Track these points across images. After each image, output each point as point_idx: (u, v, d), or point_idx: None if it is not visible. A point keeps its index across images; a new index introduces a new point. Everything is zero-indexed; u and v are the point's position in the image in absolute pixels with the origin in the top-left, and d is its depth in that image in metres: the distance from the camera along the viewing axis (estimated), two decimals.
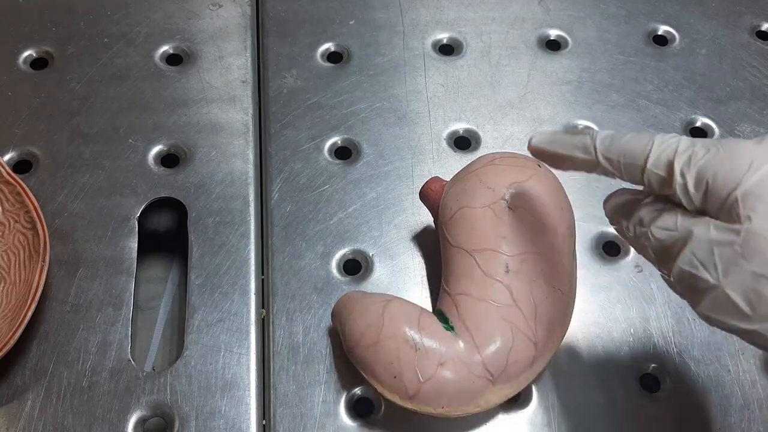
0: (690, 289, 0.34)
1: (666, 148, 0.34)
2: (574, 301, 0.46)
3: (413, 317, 0.44)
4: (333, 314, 0.47)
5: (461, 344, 0.43)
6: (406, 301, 0.45)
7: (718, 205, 0.33)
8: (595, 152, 0.36)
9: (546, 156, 0.39)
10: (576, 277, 0.47)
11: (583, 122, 0.60)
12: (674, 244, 0.34)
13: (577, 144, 0.37)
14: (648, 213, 0.36)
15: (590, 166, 0.37)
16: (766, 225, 0.31)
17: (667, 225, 0.34)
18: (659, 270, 0.36)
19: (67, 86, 0.60)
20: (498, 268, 0.44)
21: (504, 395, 0.44)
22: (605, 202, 0.39)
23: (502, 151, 0.53)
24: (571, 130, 0.39)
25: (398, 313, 0.44)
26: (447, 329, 0.43)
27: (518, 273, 0.44)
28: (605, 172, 0.37)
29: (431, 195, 0.49)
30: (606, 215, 0.39)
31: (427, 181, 0.50)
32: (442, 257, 0.47)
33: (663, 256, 0.35)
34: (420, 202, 0.51)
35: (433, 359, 0.42)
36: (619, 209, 0.38)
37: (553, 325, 0.45)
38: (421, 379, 0.42)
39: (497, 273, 0.44)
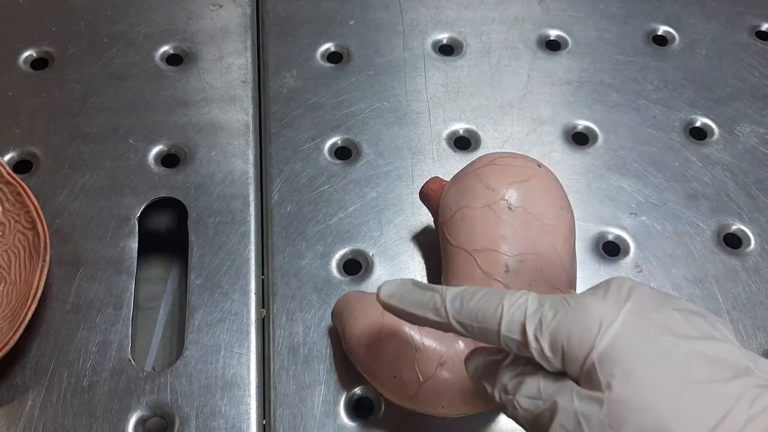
0: None
1: (516, 311, 0.33)
2: None
3: None
4: (333, 314, 0.47)
5: (461, 344, 0.43)
6: None
7: (577, 369, 0.31)
8: (447, 315, 0.35)
9: (397, 312, 0.37)
10: (576, 277, 0.47)
11: (583, 122, 0.60)
12: (542, 414, 0.32)
13: (428, 304, 0.35)
14: (510, 379, 0.34)
15: (444, 327, 0.35)
16: (627, 391, 0.30)
17: (530, 393, 0.33)
18: None
19: (67, 86, 0.60)
20: (498, 268, 0.44)
21: None
22: (466, 361, 0.37)
23: (502, 151, 0.53)
24: (420, 284, 0.36)
25: None
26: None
27: (518, 273, 0.44)
28: (460, 335, 0.35)
29: (431, 195, 0.49)
30: (470, 379, 0.37)
31: (427, 181, 0.50)
32: (442, 257, 0.47)
33: (534, 427, 0.33)
34: (420, 202, 0.51)
35: (433, 359, 0.42)
36: (480, 372, 0.36)
37: None
38: (421, 379, 0.42)
39: (497, 273, 0.44)
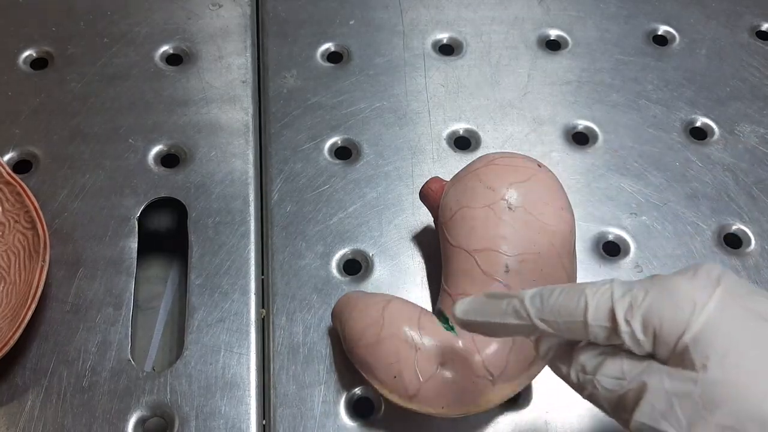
0: None
1: (602, 298, 0.33)
2: None
3: (413, 317, 0.44)
4: (333, 314, 0.47)
5: (461, 344, 0.43)
6: (406, 301, 0.45)
7: (668, 351, 0.31)
8: (529, 316, 0.34)
9: (476, 327, 0.37)
10: (576, 277, 0.47)
11: (583, 122, 0.60)
12: (627, 394, 0.32)
13: (507, 310, 0.35)
14: (589, 358, 0.34)
15: (528, 330, 0.35)
16: (723, 374, 0.30)
17: (614, 373, 0.33)
18: (614, 418, 0.34)
19: (67, 86, 0.60)
20: (498, 268, 0.44)
21: (504, 395, 0.44)
22: (536, 343, 0.36)
23: (502, 151, 0.53)
24: (494, 294, 0.36)
25: (398, 313, 0.44)
26: (447, 329, 0.43)
27: (518, 273, 0.44)
28: (545, 334, 0.35)
29: (431, 195, 0.49)
30: (540, 359, 0.37)
31: (427, 181, 0.50)
32: (442, 257, 0.47)
33: (617, 406, 0.33)
34: (420, 202, 0.51)
35: (433, 359, 0.42)
36: (555, 353, 0.35)
37: None
38: (421, 379, 0.42)
39: (497, 273, 0.44)
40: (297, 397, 0.47)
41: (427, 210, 0.51)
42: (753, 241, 0.55)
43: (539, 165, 0.47)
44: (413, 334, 0.43)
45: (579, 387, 0.34)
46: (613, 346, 0.33)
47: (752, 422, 0.29)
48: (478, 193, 0.46)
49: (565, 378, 0.35)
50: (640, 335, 0.32)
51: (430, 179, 0.50)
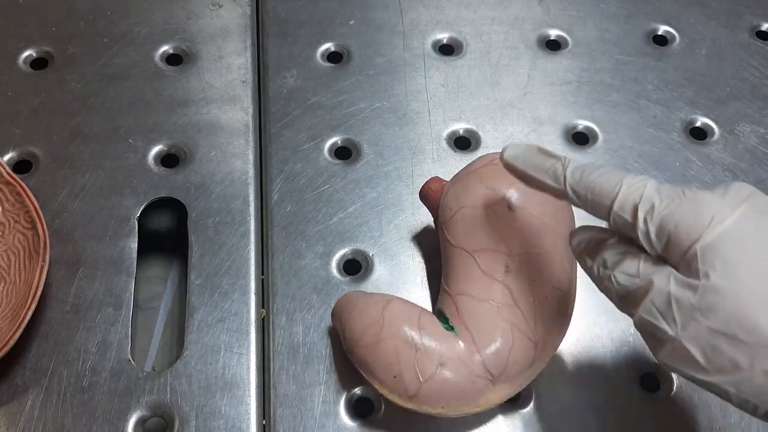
0: (651, 336, 0.35)
1: (633, 192, 0.35)
2: (574, 301, 0.46)
3: (413, 317, 0.44)
4: (333, 314, 0.47)
5: (461, 344, 0.43)
6: (406, 301, 0.45)
7: (678, 256, 0.33)
8: (564, 183, 0.37)
9: (516, 173, 0.40)
10: (576, 277, 0.47)
11: (583, 122, 0.60)
12: (636, 291, 0.35)
13: (548, 170, 0.38)
14: (612, 255, 0.36)
15: (558, 194, 0.38)
16: (723, 283, 0.32)
17: (629, 270, 0.35)
18: (622, 311, 0.37)
19: (67, 86, 0.60)
20: (498, 268, 0.44)
21: (504, 395, 0.44)
22: (571, 235, 0.39)
23: None
24: (545, 151, 0.38)
25: (398, 313, 0.44)
26: (447, 329, 0.43)
27: (518, 273, 0.44)
28: (573, 203, 0.37)
29: (431, 195, 0.49)
30: (572, 250, 0.39)
31: (427, 181, 0.50)
32: (442, 257, 0.47)
33: (626, 301, 0.36)
34: (420, 202, 0.51)
35: (433, 359, 0.42)
36: (584, 246, 0.38)
37: (554, 325, 0.45)
38: (421, 379, 0.42)
39: (497, 273, 0.44)
40: (297, 397, 0.47)
41: (427, 210, 0.51)
42: None
43: None
44: (413, 334, 0.43)
45: (598, 279, 0.37)
46: (634, 246, 0.35)
47: (742, 329, 0.31)
48: (479, 193, 0.46)
49: (589, 271, 0.38)
50: (653, 236, 0.34)
51: (430, 179, 0.50)
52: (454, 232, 0.46)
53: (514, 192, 0.45)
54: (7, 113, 0.58)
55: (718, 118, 0.61)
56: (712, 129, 0.60)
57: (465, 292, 0.44)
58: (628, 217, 0.34)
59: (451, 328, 0.43)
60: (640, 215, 0.34)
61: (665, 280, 0.33)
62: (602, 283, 0.37)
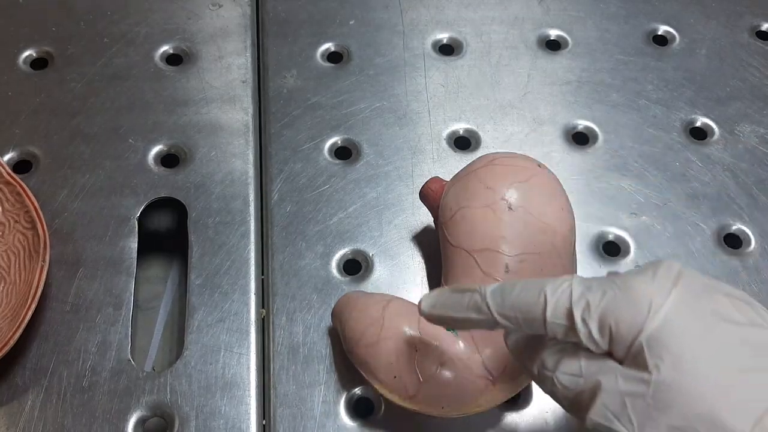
0: None
1: (561, 296, 0.33)
2: None
3: (413, 317, 0.43)
4: (333, 314, 0.47)
5: (461, 344, 0.42)
6: (406, 301, 0.45)
7: (624, 350, 0.31)
8: (490, 311, 0.34)
9: (440, 321, 0.37)
10: None
11: (583, 122, 0.60)
12: (583, 392, 0.33)
13: (468, 305, 0.35)
14: (550, 355, 0.34)
15: (489, 324, 0.35)
16: (675, 376, 0.30)
17: (571, 370, 0.33)
18: (572, 415, 0.34)
19: (67, 86, 0.60)
20: (498, 268, 0.44)
21: (505, 395, 0.43)
22: (505, 338, 0.37)
23: (502, 151, 0.53)
24: (458, 288, 0.36)
25: (398, 313, 0.44)
26: (448, 330, 0.43)
27: (518, 273, 0.44)
28: (506, 328, 0.35)
29: (431, 195, 0.49)
30: (509, 351, 0.37)
31: (427, 181, 0.50)
32: (442, 257, 0.47)
33: (575, 404, 0.33)
34: (420, 202, 0.51)
35: (433, 359, 0.42)
36: (521, 347, 0.36)
37: None
38: (421, 380, 0.42)
39: (497, 273, 0.44)
40: (297, 397, 0.47)
41: (427, 210, 0.51)
42: (753, 241, 0.55)
43: (539, 165, 0.47)
44: (413, 334, 0.43)
45: (541, 381, 0.35)
46: (574, 343, 0.33)
47: (702, 423, 0.29)
48: (478, 193, 0.45)
49: (529, 372, 0.35)
50: (596, 335, 0.32)
51: (430, 179, 0.50)
52: (454, 232, 0.46)
53: (514, 192, 0.45)
54: (7, 113, 0.58)
55: (718, 118, 0.61)
56: (712, 129, 0.60)
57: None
58: (564, 322, 0.32)
59: (452, 330, 0.43)
60: (577, 317, 0.32)
61: (614, 379, 0.31)
62: (546, 386, 0.34)
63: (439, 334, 0.43)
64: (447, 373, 0.42)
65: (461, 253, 0.45)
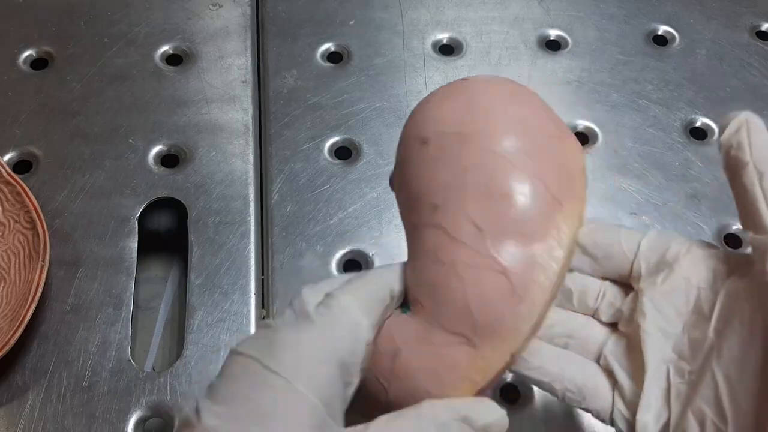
0: None
1: None
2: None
3: None
4: None
5: (412, 319, 0.33)
6: None
7: None
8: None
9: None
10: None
11: (583, 122, 0.60)
12: None
13: None
14: None
15: None
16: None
17: None
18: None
19: (67, 86, 0.60)
20: (425, 212, 0.34)
21: (501, 353, 0.32)
22: None
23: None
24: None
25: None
26: (403, 311, 0.34)
27: (446, 204, 0.33)
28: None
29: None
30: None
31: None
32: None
33: None
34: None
35: (386, 348, 0.32)
36: None
37: (525, 240, 0.32)
38: (384, 384, 0.32)
39: (425, 216, 0.34)
40: None
41: None
42: None
43: (465, 78, 0.37)
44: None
45: None
46: None
47: None
48: (404, 150, 0.37)
49: None
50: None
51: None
52: (402, 209, 0.37)
53: (421, 121, 0.36)
54: (7, 113, 0.58)
55: (718, 118, 0.60)
56: (712, 129, 0.60)
57: (410, 258, 0.35)
58: None
59: (407, 309, 0.34)
60: None
61: None
62: None
63: (391, 319, 0.33)
64: (405, 361, 0.32)
65: (407, 227, 0.36)
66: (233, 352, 0.30)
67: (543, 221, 0.33)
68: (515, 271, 0.31)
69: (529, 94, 0.37)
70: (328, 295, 0.31)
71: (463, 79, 0.37)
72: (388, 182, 0.40)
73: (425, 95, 0.38)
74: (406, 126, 0.37)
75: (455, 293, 0.31)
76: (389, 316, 0.33)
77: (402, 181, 0.36)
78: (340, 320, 0.30)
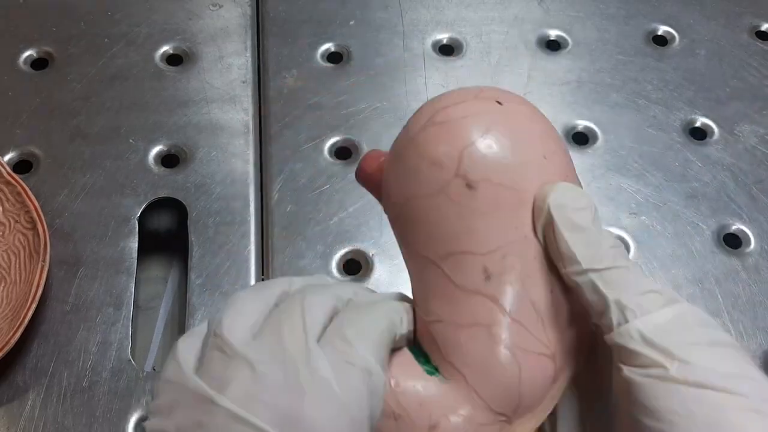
0: None
1: None
2: None
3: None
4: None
5: (450, 390, 0.31)
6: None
7: None
8: None
9: None
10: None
11: (583, 122, 0.60)
12: None
13: None
14: None
15: None
16: None
17: None
18: None
19: (68, 86, 0.60)
20: (474, 276, 0.31)
21: (529, 428, 0.32)
22: None
23: (446, 92, 0.34)
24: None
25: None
26: (429, 372, 0.31)
27: (503, 274, 0.31)
28: None
29: (369, 180, 0.35)
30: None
31: (361, 159, 0.35)
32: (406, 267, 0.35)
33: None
34: None
35: (420, 424, 0.30)
36: None
37: (570, 319, 0.32)
38: None
39: (475, 283, 0.31)
40: None
41: None
42: (753, 241, 0.55)
43: (498, 101, 0.32)
44: (387, 397, 0.29)
45: None
46: None
47: None
48: (423, 174, 0.31)
49: None
50: None
51: (365, 156, 0.35)
52: (408, 236, 0.33)
53: (469, 159, 0.31)
54: (7, 113, 0.58)
55: (718, 118, 0.61)
56: (711, 129, 0.60)
57: (440, 317, 0.31)
58: None
59: (434, 370, 0.31)
60: None
61: None
62: None
63: (419, 383, 0.31)
64: None
65: (424, 262, 0.32)
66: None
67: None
68: (559, 354, 0.31)
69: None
70: (341, 339, 0.28)
71: (498, 102, 0.33)
72: (355, 174, 0.35)
73: (425, 96, 0.37)
74: (425, 143, 0.32)
75: (510, 378, 0.31)
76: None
77: (419, 208, 0.32)
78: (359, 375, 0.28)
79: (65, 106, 0.59)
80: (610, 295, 0.29)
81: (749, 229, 0.55)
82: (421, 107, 0.33)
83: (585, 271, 0.30)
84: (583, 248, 0.30)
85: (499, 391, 0.31)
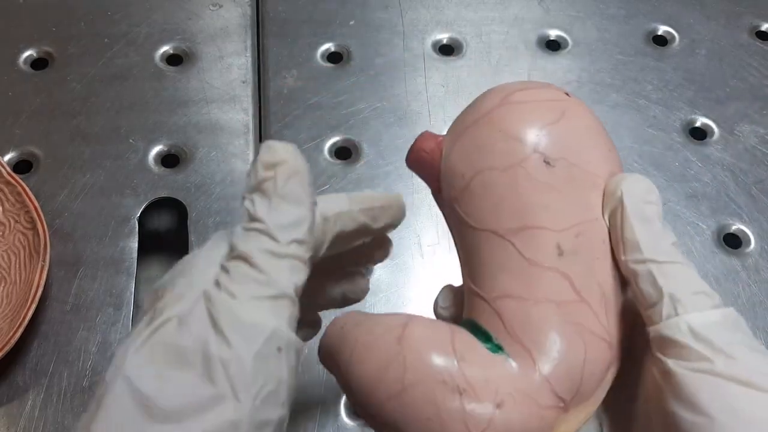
0: None
1: None
2: None
3: (445, 343, 0.30)
4: (324, 353, 0.33)
5: (517, 368, 0.30)
6: (427, 319, 0.31)
7: None
8: None
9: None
10: None
11: None
12: None
13: None
14: None
15: None
16: None
17: None
18: None
19: (68, 86, 0.60)
20: (547, 252, 0.31)
21: (580, 421, 0.31)
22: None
23: (512, 82, 0.36)
24: None
25: (423, 341, 0.30)
26: (492, 350, 0.31)
27: (576, 253, 0.31)
28: None
29: (426, 159, 0.35)
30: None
31: (416, 140, 0.35)
32: (457, 245, 0.35)
33: None
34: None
35: (486, 400, 0.29)
36: None
37: (623, 310, 0.32)
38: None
39: (548, 258, 0.31)
40: (296, 397, 0.47)
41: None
42: (753, 241, 0.55)
43: (567, 93, 0.35)
44: (451, 371, 0.29)
45: None
46: None
47: None
48: (499, 148, 0.32)
49: None
50: None
51: (421, 136, 0.35)
52: (474, 209, 0.33)
53: (549, 139, 0.32)
54: (7, 113, 0.58)
55: (718, 118, 0.61)
56: (711, 129, 0.60)
57: (508, 292, 0.31)
58: None
59: (497, 348, 0.31)
60: None
61: None
62: None
63: (485, 361, 0.30)
64: (508, 416, 0.29)
65: (490, 237, 0.32)
66: None
67: None
68: (615, 342, 0.32)
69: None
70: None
71: (566, 94, 0.35)
72: (407, 157, 0.36)
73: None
74: (501, 119, 0.33)
75: (576, 358, 0.30)
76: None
77: (491, 181, 0.32)
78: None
79: (65, 106, 0.59)
80: (666, 287, 0.30)
81: (749, 229, 0.55)
82: (488, 91, 0.34)
83: (645, 261, 0.31)
84: (647, 238, 0.32)
85: (563, 371, 0.30)
